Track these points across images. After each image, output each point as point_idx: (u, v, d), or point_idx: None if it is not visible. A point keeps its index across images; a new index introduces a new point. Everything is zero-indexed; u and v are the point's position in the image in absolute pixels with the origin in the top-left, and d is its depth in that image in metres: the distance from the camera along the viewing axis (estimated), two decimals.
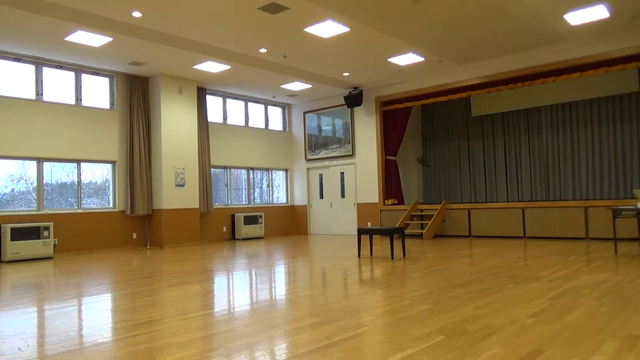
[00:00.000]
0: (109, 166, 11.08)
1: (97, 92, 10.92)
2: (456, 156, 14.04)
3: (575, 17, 8.44)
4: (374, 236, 12.03)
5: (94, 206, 10.82)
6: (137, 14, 7.77)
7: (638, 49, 9.29)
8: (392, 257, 7.77)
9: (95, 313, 4.44)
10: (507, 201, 12.54)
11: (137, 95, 11.21)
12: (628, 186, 11.15)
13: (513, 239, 10.55)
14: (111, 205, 11.02)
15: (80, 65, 10.37)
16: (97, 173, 11.01)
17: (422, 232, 11.52)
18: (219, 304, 4.71)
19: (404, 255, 7.98)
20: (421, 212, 12.34)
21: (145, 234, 11.40)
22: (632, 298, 4.32)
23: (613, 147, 11.46)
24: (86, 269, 7.64)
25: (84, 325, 3.98)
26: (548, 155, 12.44)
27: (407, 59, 10.55)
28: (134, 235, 11.22)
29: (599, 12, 8.23)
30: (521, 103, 12.56)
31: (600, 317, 3.67)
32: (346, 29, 8.63)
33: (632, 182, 11.14)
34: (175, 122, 11.49)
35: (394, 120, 12.97)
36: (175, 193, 11.40)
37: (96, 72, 10.78)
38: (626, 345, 2.98)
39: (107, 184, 11.09)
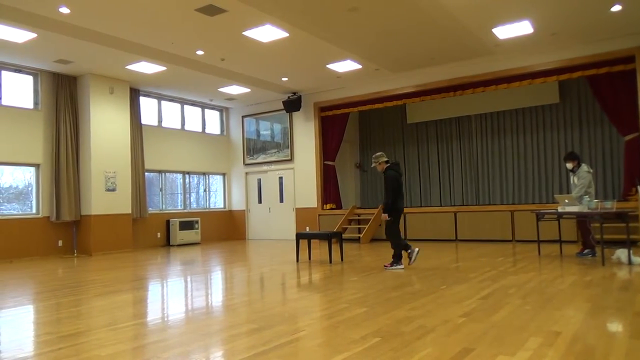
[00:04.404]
0: (32, 169, 10.42)
1: (20, 90, 10.25)
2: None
3: (503, 32, 8.91)
4: (312, 241, 12.06)
5: (15, 212, 10.13)
6: (64, 10, 7.37)
7: (558, 63, 9.96)
8: (330, 262, 7.82)
9: (15, 326, 4.14)
10: (440, 205, 13.01)
11: (64, 95, 10.63)
12: (550, 191, 11.89)
13: (446, 242, 10.93)
14: (34, 211, 10.36)
15: (0, 61, 9.70)
16: (19, 177, 10.32)
17: (359, 236, 11.69)
18: (152, 313, 4.54)
19: (342, 260, 8.06)
20: (358, 216, 12.53)
21: (72, 241, 10.80)
22: (553, 296, 4.60)
23: (537, 155, 12.18)
24: (4, 279, 7.11)
25: (2, 339, 3.70)
26: (478, 162, 13.03)
27: (345, 65, 10.71)
28: (60, 243, 10.60)
29: (524, 28, 8.74)
30: (453, 111, 13.09)
31: (525, 315, 3.88)
32: (285, 34, 8.63)
33: (553, 188, 11.89)
34: (106, 124, 10.99)
35: (332, 125, 13.11)
36: (106, 198, 10.90)
37: (18, 69, 10.13)
38: (548, 341, 3.16)
39: (29, 189, 10.42)
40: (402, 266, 6.96)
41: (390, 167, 7.06)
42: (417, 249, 7.01)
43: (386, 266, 7.03)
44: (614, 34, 9.18)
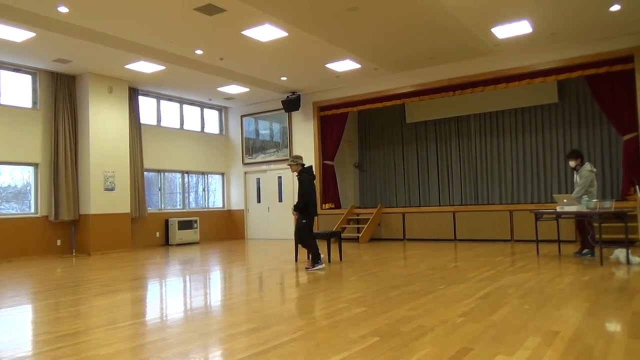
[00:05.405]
0: (30, 169, 10.40)
1: (18, 89, 10.24)
2: (391, 161, 14.39)
3: (502, 31, 8.91)
4: None
5: (13, 211, 10.11)
6: (63, 9, 7.36)
7: (557, 63, 9.96)
8: (329, 261, 7.82)
9: (14, 325, 4.13)
10: (439, 205, 13.01)
11: (62, 94, 10.62)
12: (549, 191, 11.89)
13: (444, 242, 10.94)
14: (32, 211, 10.34)
15: None
16: (17, 176, 10.31)
17: (358, 236, 11.70)
18: (151, 313, 4.54)
19: (341, 259, 8.06)
20: (357, 216, 12.53)
21: (70, 240, 10.78)
22: (552, 296, 4.60)
23: (535, 154, 12.18)
24: (3, 279, 7.11)
25: (1, 338, 3.70)
26: (476, 161, 13.03)
27: (344, 65, 10.70)
28: (58, 242, 10.59)
29: (523, 27, 8.74)
30: (452, 111, 13.09)
31: (524, 315, 3.88)
32: (284, 34, 8.62)
33: (552, 187, 11.90)
34: (104, 123, 10.98)
35: (331, 125, 13.11)
36: (104, 197, 10.88)
37: (17, 68, 10.11)
38: (547, 341, 3.16)
39: (28, 188, 10.41)
40: (322, 265, 7.11)
41: (304, 171, 7.30)
42: (322, 265, 7.12)
43: (307, 268, 7.11)
44: (613, 33, 9.18)
